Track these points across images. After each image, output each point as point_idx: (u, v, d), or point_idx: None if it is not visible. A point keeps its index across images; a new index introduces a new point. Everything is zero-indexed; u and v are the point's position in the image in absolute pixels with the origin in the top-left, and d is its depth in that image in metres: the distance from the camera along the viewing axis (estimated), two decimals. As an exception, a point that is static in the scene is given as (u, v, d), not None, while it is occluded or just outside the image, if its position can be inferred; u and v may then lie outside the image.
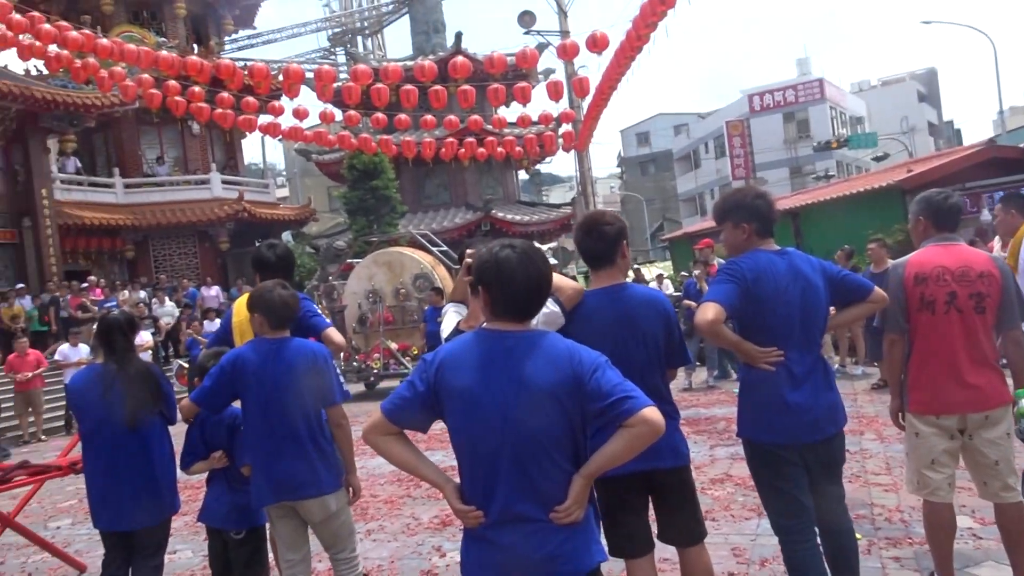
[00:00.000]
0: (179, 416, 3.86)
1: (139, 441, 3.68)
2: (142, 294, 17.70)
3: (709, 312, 2.89)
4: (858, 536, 4.31)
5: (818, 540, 3.07)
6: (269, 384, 3.32)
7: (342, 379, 3.51)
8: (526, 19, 19.50)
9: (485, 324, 2.18)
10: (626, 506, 2.97)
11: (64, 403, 12.76)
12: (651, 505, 3.09)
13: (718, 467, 6.28)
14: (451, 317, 3.27)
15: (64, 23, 10.64)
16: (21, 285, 16.55)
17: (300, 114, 13.36)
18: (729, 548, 4.39)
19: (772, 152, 42.48)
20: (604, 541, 3.02)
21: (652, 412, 1.98)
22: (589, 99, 15.18)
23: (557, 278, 2.57)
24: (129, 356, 3.79)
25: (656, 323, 2.99)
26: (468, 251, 2.97)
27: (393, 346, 13.96)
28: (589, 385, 2.02)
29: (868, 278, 3.78)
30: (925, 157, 23.57)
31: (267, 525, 3.68)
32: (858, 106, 49.41)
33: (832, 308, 3.19)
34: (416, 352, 13.86)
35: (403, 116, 14.28)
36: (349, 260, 18.29)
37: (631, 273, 20.73)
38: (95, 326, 12.79)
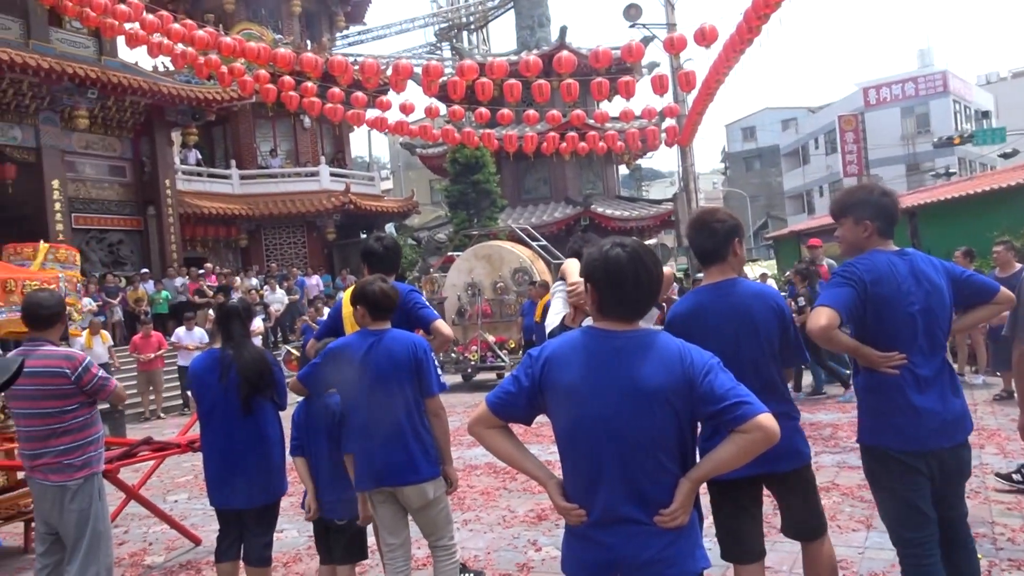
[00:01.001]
0: (288, 400, 4.04)
1: (252, 425, 3.88)
2: (254, 281, 18.50)
3: (822, 317, 2.78)
4: (979, 556, 4.09)
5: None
6: (371, 373, 3.41)
7: (439, 370, 3.57)
8: (632, 12, 19.28)
9: (593, 322, 2.17)
10: (740, 511, 2.93)
11: (180, 383, 13.50)
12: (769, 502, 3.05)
13: (824, 475, 6.06)
14: (557, 304, 3.28)
15: (190, 22, 11.21)
16: (145, 270, 17.59)
17: (406, 109, 13.65)
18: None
19: (887, 148, 40.54)
20: (717, 543, 2.99)
21: (767, 419, 1.94)
22: (695, 93, 14.90)
23: None
24: (245, 343, 3.96)
25: (769, 317, 2.93)
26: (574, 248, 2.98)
27: (491, 339, 14.09)
28: (701, 387, 1.98)
29: (993, 283, 3.56)
30: (1059, 154, 22.01)
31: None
32: (985, 99, 46.53)
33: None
34: (513, 345, 13.96)
35: (506, 111, 14.39)
36: (450, 252, 18.57)
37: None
38: (211, 312, 13.40)
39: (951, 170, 37.22)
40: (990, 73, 52.53)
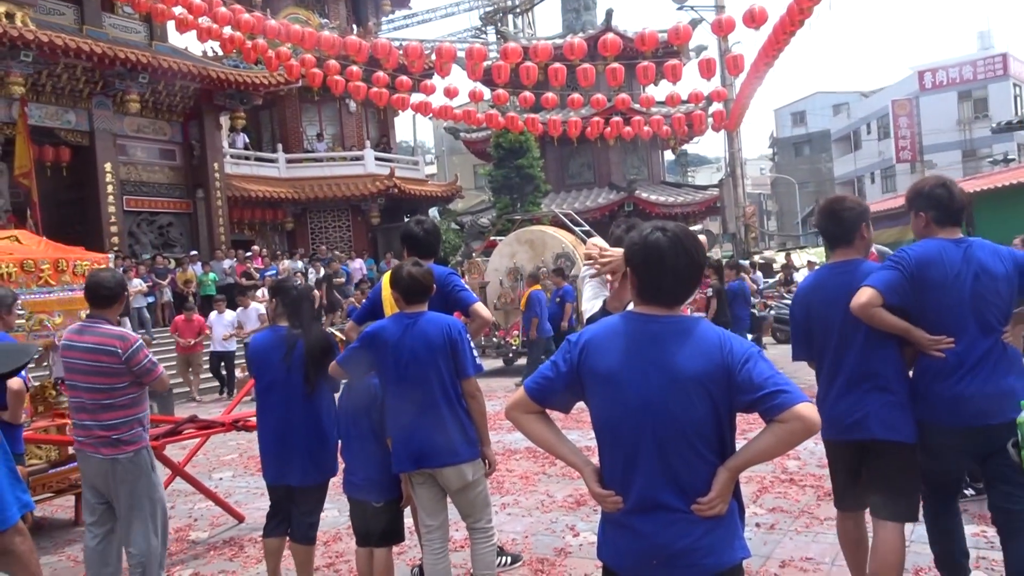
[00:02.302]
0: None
1: (310, 404, 3.92)
2: (299, 264, 18.74)
3: (863, 296, 2.99)
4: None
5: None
6: (406, 356, 3.44)
7: (475, 353, 3.56)
8: (680, -6, 18.97)
9: (633, 307, 2.13)
10: (839, 468, 3.30)
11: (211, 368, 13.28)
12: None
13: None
14: (589, 291, 3.23)
15: (238, 6, 11.33)
16: (194, 252, 17.92)
17: (450, 93, 13.64)
18: (879, 554, 4.14)
19: (943, 134, 39.38)
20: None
21: (807, 408, 1.89)
22: (743, 77, 14.64)
23: None
24: (314, 324, 4.03)
25: None
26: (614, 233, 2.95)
27: (532, 324, 14.05)
28: (739, 376, 1.94)
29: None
30: (1126, 140, 21.12)
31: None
32: (1047, 83, 44.90)
33: None
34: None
35: (550, 95, 14.29)
36: (492, 237, 18.59)
37: (782, 258, 19.92)
38: (272, 292, 13.55)
39: (1009, 156, 36.01)
40: (1054, 56, 50.64)
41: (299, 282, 4.29)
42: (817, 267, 3.59)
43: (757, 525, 4.74)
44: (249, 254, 18.24)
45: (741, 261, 16.46)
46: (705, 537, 1.97)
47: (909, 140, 37.97)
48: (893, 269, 3.05)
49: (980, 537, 4.27)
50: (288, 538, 4.11)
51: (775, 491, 5.47)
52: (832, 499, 3.52)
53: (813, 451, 6.18)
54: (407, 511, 3.93)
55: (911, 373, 3.19)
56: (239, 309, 13.08)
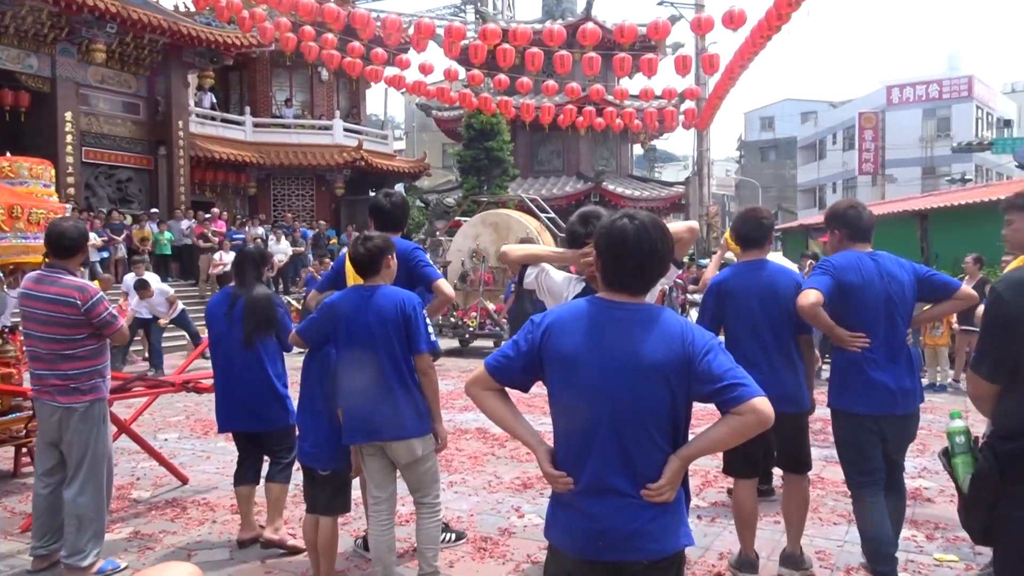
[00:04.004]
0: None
1: (253, 357, 4.27)
2: (260, 230, 18.47)
3: (811, 296, 3.46)
4: (955, 559, 4.13)
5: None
6: (360, 328, 3.46)
7: (431, 330, 3.56)
8: (661, -11, 19.03)
9: (599, 293, 2.16)
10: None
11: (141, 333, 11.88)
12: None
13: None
14: (560, 277, 3.34)
15: (214, -38, 11.07)
16: (155, 210, 17.55)
17: (425, 69, 13.53)
18: (813, 551, 4.26)
19: (905, 149, 40.20)
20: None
21: (762, 403, 1.93)
22: (717, 77, 14.77)
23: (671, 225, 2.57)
24: (255, 285, 4.36)
25: (789, 289, 3.69)
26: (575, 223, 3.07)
27: (491, 306, 14.09)
28: (699, 366, 1.98)
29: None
30: (1077, 170, 21.77)
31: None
32: (1008, 108, 46.08)
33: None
34: (513, 315, 13.96)
35: (525, 79, 14.26)
36: (457, 217, 18.53)
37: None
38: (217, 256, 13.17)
39: (967, 176, 36.92)
40: (1016, 82, 51.92)
41: (251, 246, 4.58)
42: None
43: (699, 517, 4.83)
44: (209, 216, 17.92)
45: (701, 261, 16.66)
46: (652, 522, 2.01)
47: (873, 153, 38.68)
48: (825, 275, 3.54)
49: (910, 541, 4.42)
50: (265, 479, 4.42)
51: (718, 485, 5.58)
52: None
53: (758, 449, 6.32)
54: (355, 482, 3.93)
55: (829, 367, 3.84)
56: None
